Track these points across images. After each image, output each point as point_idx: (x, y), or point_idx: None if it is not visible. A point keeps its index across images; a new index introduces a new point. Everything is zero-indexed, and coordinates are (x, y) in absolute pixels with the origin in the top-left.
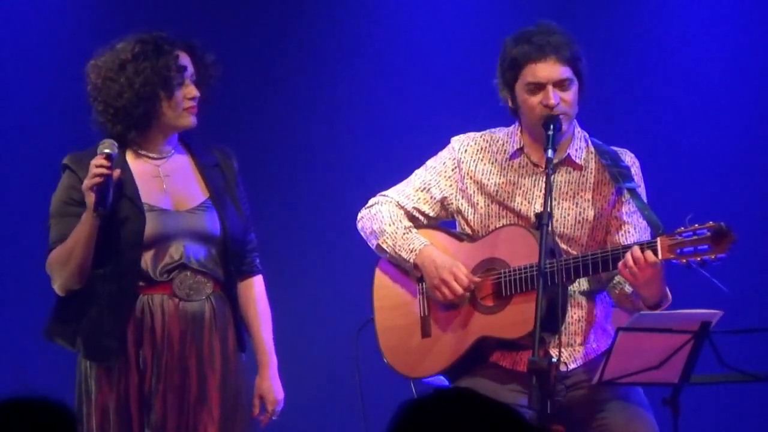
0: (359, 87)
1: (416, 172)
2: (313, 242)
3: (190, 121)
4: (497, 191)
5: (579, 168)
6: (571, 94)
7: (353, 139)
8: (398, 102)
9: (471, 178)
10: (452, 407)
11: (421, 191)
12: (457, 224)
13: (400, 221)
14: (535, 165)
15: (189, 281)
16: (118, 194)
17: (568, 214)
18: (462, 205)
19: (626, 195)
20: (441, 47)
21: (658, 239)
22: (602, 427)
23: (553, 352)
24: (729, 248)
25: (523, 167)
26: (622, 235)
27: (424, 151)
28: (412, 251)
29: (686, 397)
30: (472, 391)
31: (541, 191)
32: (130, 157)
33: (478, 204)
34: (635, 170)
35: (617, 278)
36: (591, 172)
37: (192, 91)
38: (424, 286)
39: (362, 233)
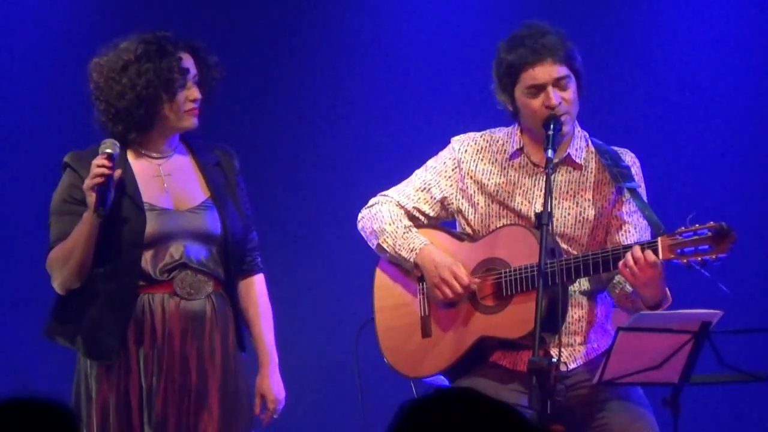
0: (360, 87)
1: (416, 172)
2: (314, 242)
3: (191, 122)
4: (497, 191)
5: (579, 168)
6: (570, 93)
7: (354, 139)
8: (399, 102)
9: (471, 177)
10: (453, 407)
11: (422, 191)
12: (457, 224)
13: (400, 221)
14: (535, 165)
15: (189, 280)
16: (119, 193)
17: (569, 214)
18: (462, 204)
19: (626, 194)
20: (441, 48)
21: (659, 239)
22: (602, 427)
23: (553, 351)
24: (730, 248)
25: (523, 167)
26: (622, 235)
27: (424, 151)
28: (412, 250)
29: (686, 397)
30: (472, 391)
31: (541, 191)
32: (131, 157)
33: (478, 204)
34: (635, 170)
35: (618, 278)
36: (591, 172)
37: (194, 93)
38: (424, 285)
39: (362, 233)
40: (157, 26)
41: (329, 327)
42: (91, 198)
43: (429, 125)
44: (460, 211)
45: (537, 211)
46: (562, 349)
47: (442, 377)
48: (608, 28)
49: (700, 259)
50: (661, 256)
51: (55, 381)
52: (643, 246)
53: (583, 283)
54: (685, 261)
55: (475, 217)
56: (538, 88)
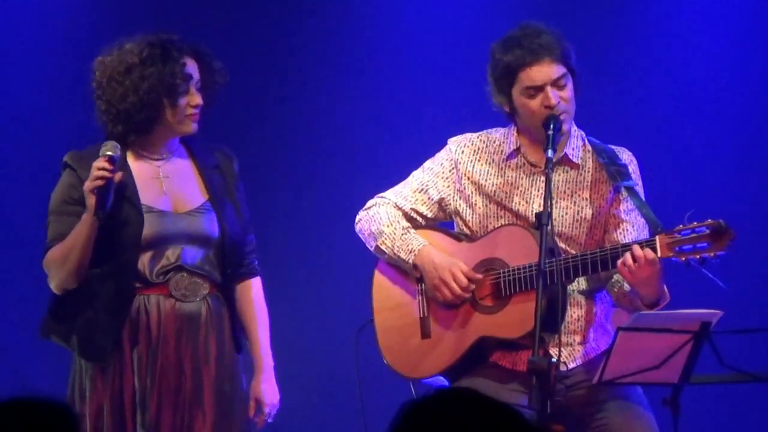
0: (357, 89)
1: (414, 173)
2: (313, 243)
3: (191, 128)
4: (495, 191)
5: (576, 167)
6: (568, 92)
7: (351, 141)
8: (395, 104)
9: (468, 178)
10: (453, 408)
11: (419, 192)
12: (455, 225)
13: (398, 222)
14: (533, 165)
15: (185, 282)
16: (118, 195)
17: (566, 213)
18: (460, 205)
19: (624, 193)
20: (438, 49)
21: (657, 237)
22: (602, 427)
23: (553, 351)
24: (728, 245)
25: (520, 167)
26: (620, 234)
27: (421, 153)
28: (410, 252)
29: (686, 397)
30: (473, 392)
31: (538, 191)
32: (130, 158)
33: (476, 204)
34: (633, 168)
35: (616, 276)
36: (588, 171)
37: (195, 99)
38: (423, 286)
39: (361, 235)
40: (156, 26)
41: (329, 328)
42: (91, 200)
43: (426, 127)
44: (457, 212)
45: (535, 211)
46: (562, 349)
47: (441, 378)
48: (606, 27)
49: (698, 257)
50: (659, 254)
51: (53, 381)
52: (642, 244)
53: (581, 283)
54: (683, 259)
55: (472, 217)
56: (537, 89)
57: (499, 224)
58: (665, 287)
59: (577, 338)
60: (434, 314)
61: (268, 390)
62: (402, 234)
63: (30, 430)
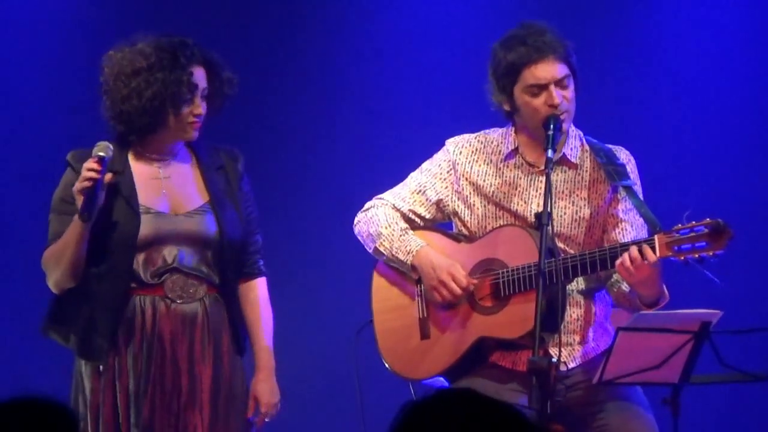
0: (356, 90)
1: (412, 174)
2: (312, 245)
3: (191, 135)
4: (493, 192)
5: (574, 167)
6: (570, 92)
7: (350, 143)
8: (394, 105)
9: (467, 179)
10: (454, 408)
11: (417, 194)
12: (453, 226)
13: (397, 223)
14: (531, 165)
15: (180, 283)
16: (116, 195)
17: (565, 213)
18: (458, 206)
19: (622, 193)
20: (436, 50)
21: (656, 237)
22: (602, 427)
23: (553, 351)
24: (727, 245)
25: (518, 167)
26: (619, 233)
27: (419, 154)
28: (409, 253)
29: (686, 397)
30: (473, 392)
31: (537, 191)
32: (131, 158)
33: (474, 205)
34: (631, 168)
35: (616, 276)
36: (586, 171)
37: (198, 109)
38: (422, 287)
39: (359, 237)
40: (157, 26)
41: (328, 329)
42: (79, 201)
43: (424, 127)
44: (456, 213)
45: (533, 211)
46: (561, 349)
47: (441, 378)
48: (606, 27)
49: (697, 256)
50: (658, 253)
51: (53, 381)
52: (641, 244)
53: (581, 283)
54: (682, 258)
55: (471, 218)
56: (541, 87)
57: (498, 225)
58: (665, 287)
59: (577, 338)
60: (433, 315)
61: (267, 390)
62: (400, 235)
63: (30, 430)
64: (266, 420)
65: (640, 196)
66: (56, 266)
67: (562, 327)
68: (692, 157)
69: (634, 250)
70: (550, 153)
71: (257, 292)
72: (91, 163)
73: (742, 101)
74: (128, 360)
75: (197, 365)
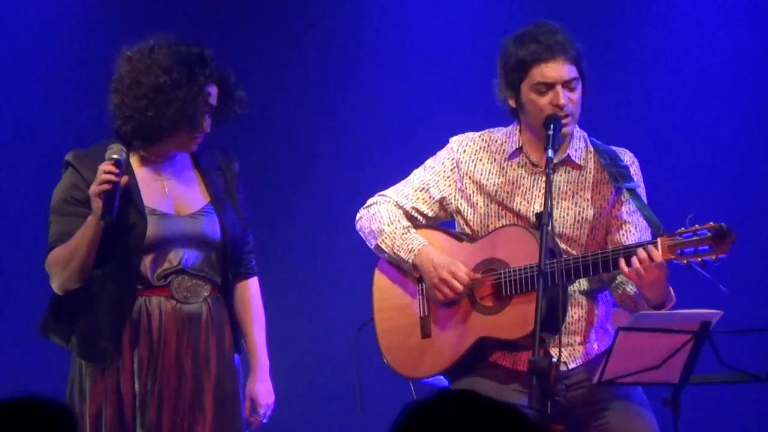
0: (359, 88)
1: (415, 172)
2: (313, 242)
3: (191, 149)
4: (496, 191)
5: (578, 168)
6: (577, 95)
7: (352, 140)
8: (397, 102)
9: (470, 178)
10: (455, 409)
11: (420, 191)
12: (456, 224)
13: (399, 221)
14: (534, 165)
15: (186, 284)
16: (122, 198)
17: (568, 214)
18: (461, 205)
19: (626, 194)
20: (440, 48)
21: (659, 239)
22: (602, 427)
23: (553, 351)
24: (730, 248)
25: (522, 167)
26: (623, 235)
27: (423, 152)
28: (410, 251)
29: (686, 397)
30: (475, 394)
31: (540, 191)
32: (133, 159)
33: (477, 204)
34: (634, 170)
35: (620, 278)
36: (590, 172)
37: (204, 126)
38: (423, 286)
39: (361, 233)
40: (157, 26)
41: (328, 327)
42: (97, 204)
43: (428, 125)
44: (458, 212)
45: (536, 211)
46: (562, 349)
47: (441, 377)
48: (608, 28)
49: (700, 259)
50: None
51: (53, 381)
52: (644, 246)
53: (582, 283)
54: (685, 261)
55: (474, 217)
56: (548, 86)
57: (500, 224)
58: (671, 289)
59: (578, 338)
60: (434, 314)
61: (262, 390)
62: (402, 233)
63: (30, 430)
64: (263, 420)
65: (644, 198)
66: (65, 268)
67: (563, 327)
68: (695, 159)
69: (642, 252)
70: (550, 153)
71: (251, 292)
72: (108, 166)
73: (745, 104)
74: (134, 361)
75: (202, 366)
